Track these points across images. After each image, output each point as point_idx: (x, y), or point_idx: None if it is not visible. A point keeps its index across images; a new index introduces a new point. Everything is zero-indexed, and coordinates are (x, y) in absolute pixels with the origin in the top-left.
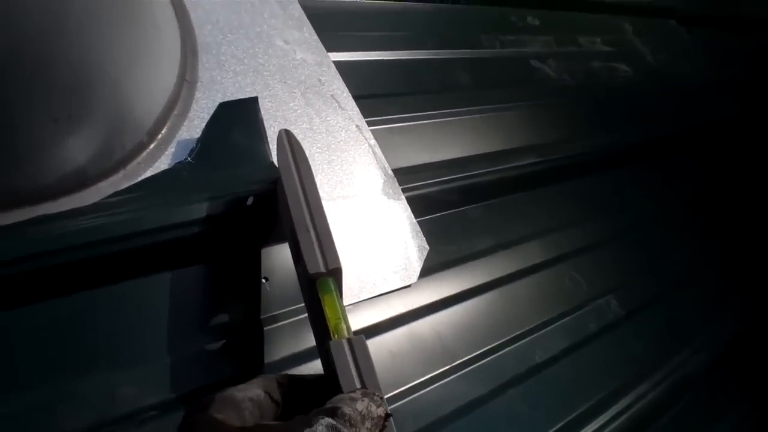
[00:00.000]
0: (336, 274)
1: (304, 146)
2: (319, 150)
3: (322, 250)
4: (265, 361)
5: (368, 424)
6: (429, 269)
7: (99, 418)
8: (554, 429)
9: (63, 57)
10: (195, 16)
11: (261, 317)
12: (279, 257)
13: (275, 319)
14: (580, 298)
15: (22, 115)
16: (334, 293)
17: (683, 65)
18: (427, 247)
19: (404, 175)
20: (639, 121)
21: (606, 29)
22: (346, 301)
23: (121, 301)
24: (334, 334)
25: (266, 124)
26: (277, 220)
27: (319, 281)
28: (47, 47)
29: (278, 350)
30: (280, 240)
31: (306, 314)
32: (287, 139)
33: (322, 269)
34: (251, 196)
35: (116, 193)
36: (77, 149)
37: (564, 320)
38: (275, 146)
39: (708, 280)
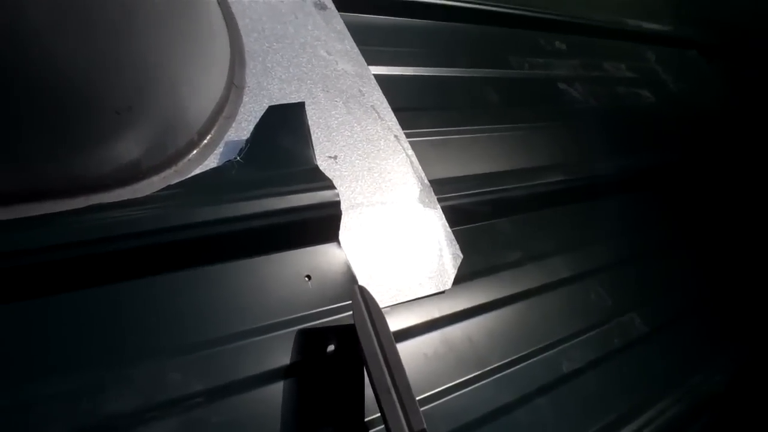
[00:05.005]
0: None
1: (345, 153)
2: (359, 157)
3: (405, 412)
4: None
5: None
6: (461, 277)
7: (146, 402)
8: None
9: (130, 53)
10: (242, 24)
11: None
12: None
13: None
14: (605, 314)
15: (87, 104)
16: None
17: (703, 94)
18: (461, 256)
19: (438, 186)
20: (661, 145)
21: (630, 56)
22: (383, 303)
23: (170, 291)
24: None
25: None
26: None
27: None
28: (117, 42)
29: None
30: None
31: None
32: (362, 295)
33: None
34: (332, 344)
35: (168, 187)
36: (134, 142)
37: (590, 334)
38: (351, 302)
39: (731, 301)
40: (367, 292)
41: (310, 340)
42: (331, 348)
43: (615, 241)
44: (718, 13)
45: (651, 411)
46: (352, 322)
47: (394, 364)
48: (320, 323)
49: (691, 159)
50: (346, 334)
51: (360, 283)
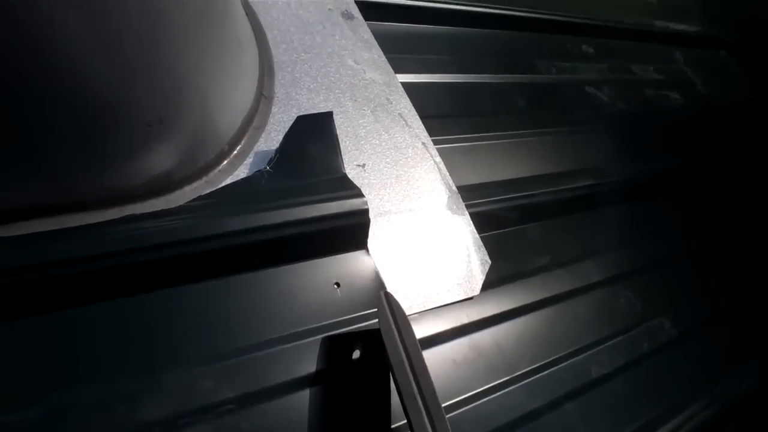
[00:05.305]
0: None
1: (373, 161)
2: (387, 165)
3: (431, 419)
4: None
5: None
6: (490, 283)
7: (178, 409)
8: None
9: (160, 66)
10: (271, 36)
11: None
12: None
13: None
14: (634, 318)
15: (119, 117)
16: None
17: (734, 95)
18: (489, 261)
19: (466, 193)
20: (691, 148)
21: (658, 58)
22: (411, 310)
23: (202, 299)
24: None
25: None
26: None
27: None
28: (147, 56)
29: None
30: None
31: None
32: (388, 302)
33: None
34: (357, 351)
35: (199, 198)
36: (166, 153)
37: (619, 338)
38: (377, 309)
39: (761, 305)
40: (393, 299)
41: (335, 347)
42: (356, 354)
43: (644, 245)
44: (747, 13)
45: (680, 416)
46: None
47: (419, 370)
48: (349, 330)
49: (721, 161)
50: (371, 340)
51: (389, 289)
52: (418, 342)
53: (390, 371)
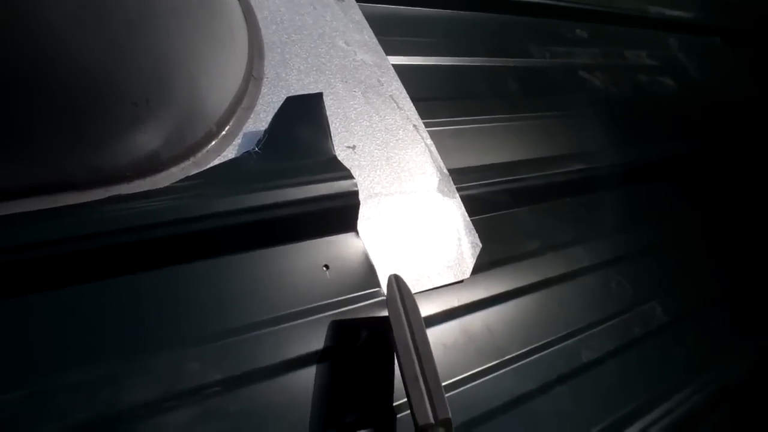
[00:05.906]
0: (446, 424)
1: (363, 143)
2: (378, 147)
3: (432, 400)
4: None
5: None
6: (480, 266)
7: (164, 392)
8: (597, 429)
9: (147, 46)
10: (261, 16)
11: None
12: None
13: None
14: (625, 303)
15: (105, 97)
16: None
17: (727, 82)
18: (480, 245)
19: (457, 176)
20: (683, 134)
21: (652, 44)
22: None
23: (188, 281)
24: None
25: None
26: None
27: None
28: (134, 36)
29: None
30: None
31: None
32: (397, 285)
33: (431, 420)
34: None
35: (187, 178)
36: (152, 134)
37: (610, 323)
38: (385, 289)
39: (753, 291)
40: (402, 282)
41: (343, 332)
42: (362, 339)
43: (636, 231)
44: None
45: (670, 401)
46: (377, 313)
47: (424, 354)
48: (338, 312)
49: (714, 148)
50: (377, 326)
51: (378, 273)
52: (424, 325)
53: (395, 353)
